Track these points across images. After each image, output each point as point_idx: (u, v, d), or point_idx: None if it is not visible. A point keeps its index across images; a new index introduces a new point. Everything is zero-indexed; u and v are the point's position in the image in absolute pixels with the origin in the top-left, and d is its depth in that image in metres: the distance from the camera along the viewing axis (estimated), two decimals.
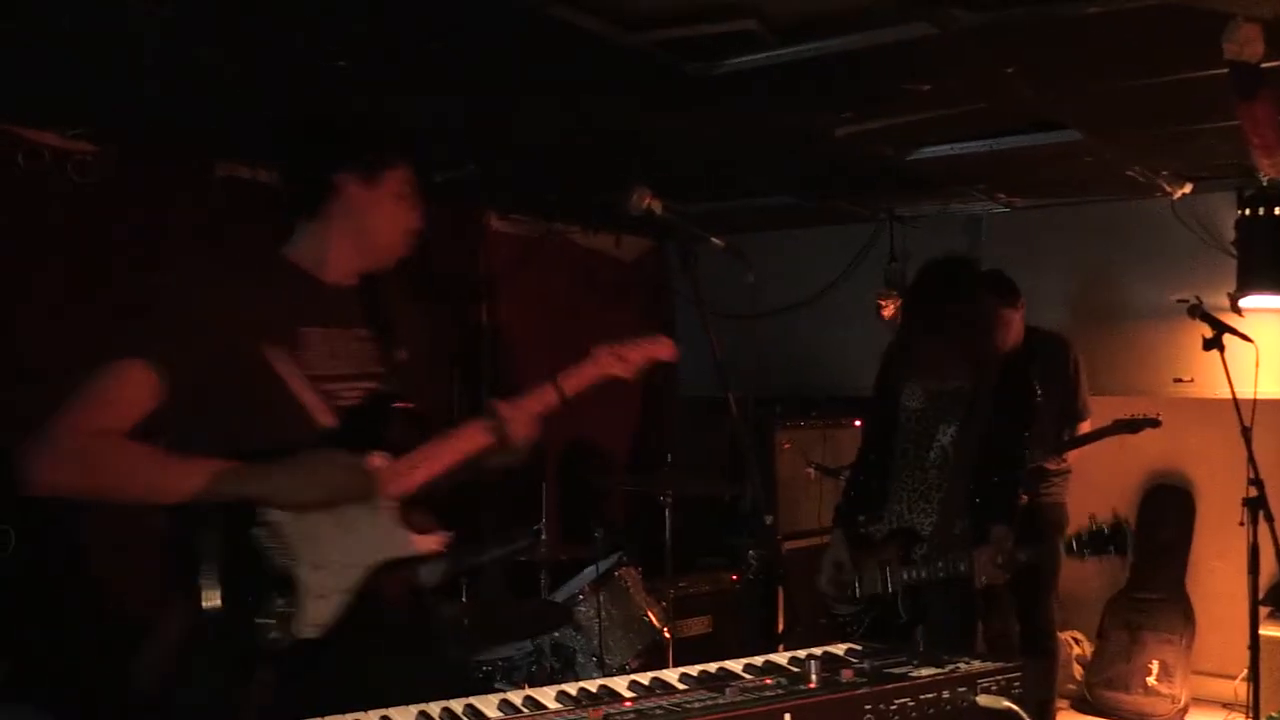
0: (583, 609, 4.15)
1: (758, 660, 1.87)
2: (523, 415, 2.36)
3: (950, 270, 3.60)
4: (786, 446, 5.54)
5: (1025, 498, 3.75)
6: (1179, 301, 4.59)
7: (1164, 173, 4.75)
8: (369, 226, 2.31)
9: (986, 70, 3.21)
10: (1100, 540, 3.30)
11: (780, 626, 5.15)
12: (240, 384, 2.12)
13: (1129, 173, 4.66)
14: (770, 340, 6.03)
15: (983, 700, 1.74)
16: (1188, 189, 4.96)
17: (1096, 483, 5.18)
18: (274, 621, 2.04)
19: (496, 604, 4.19)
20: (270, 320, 2.18)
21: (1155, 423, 4.57)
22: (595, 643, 4.11)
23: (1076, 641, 5.59)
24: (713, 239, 2.33)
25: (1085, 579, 5.41)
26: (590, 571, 4.31)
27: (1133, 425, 4.60)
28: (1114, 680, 5.31)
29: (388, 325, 2.41)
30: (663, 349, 2.54)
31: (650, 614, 4.30)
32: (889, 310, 5.56)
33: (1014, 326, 4.49)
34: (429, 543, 2.25)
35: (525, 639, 4.02)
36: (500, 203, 5.63)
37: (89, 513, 3.98)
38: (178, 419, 2.11)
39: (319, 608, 2.08)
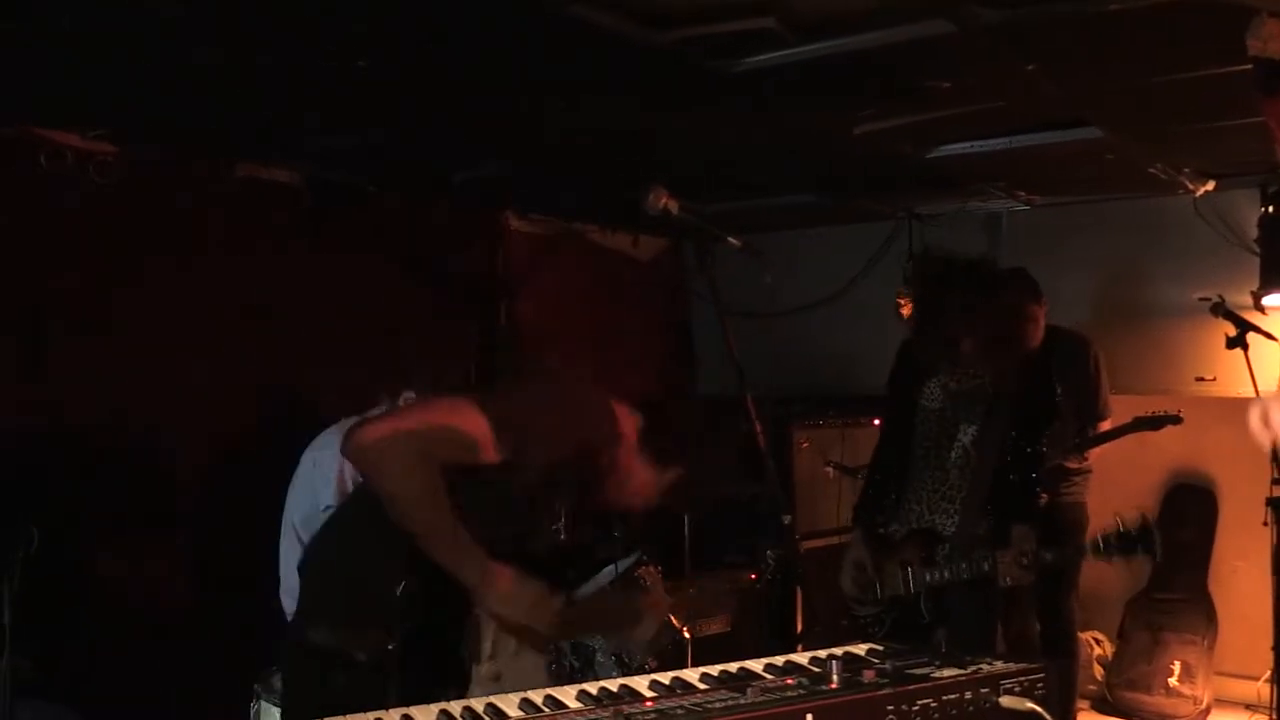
0: None
1: (778, 660, 1.87)
2: None
3: (969, 267, 3.57)
4: (804, 446, 5.52)
5: (1045, 497, 3.73)
6: (1201, 300, 4.57)
7: (1186, 170, 4.72)
8: None
9: (1007, 67, 3.19)
10: (1128, 542, 3.26)
11: (799, 626, 5.14)
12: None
13: (1150, 170, 4.63)
14: (788, 339, 6.01)
15: (1006, 701, 1.73)
16: (1210, 186, 4.93)
17: (1117, 482, 5.15)
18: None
19: None
20: None
21: (1177, 419, 4.52)
22: (614, 642, 4.10)
23: (1097, 642, 5.56)
24: (730, 238, 2.33)
25: (1106, 579, 5.37)
26: (610, 570, 4.31)
27: (1154, 422, 4.56)
28: (1135, 681, 5.28)
29: None
30: None
31: (669, 613, 4.29)
32: (908, 309, 5.53)
33: (1038, 324, 4.47)
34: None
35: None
36: (519, 202, 5.63)
37: (109, 514, 4.03)
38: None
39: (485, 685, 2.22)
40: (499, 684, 2.26)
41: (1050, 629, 4.52)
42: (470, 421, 2.11)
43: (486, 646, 2.22)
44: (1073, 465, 4.63)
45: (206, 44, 2.95)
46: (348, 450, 2.14)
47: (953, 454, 3.50)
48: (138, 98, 3.53)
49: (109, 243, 4.05)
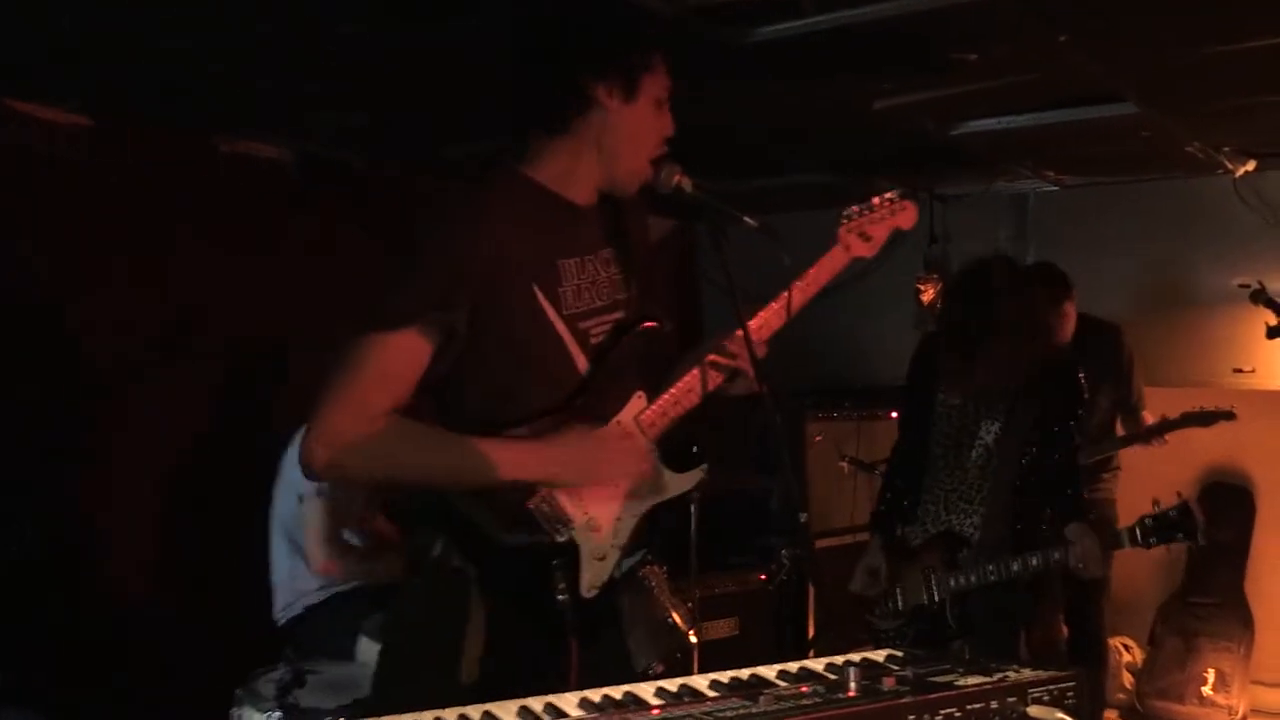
0: None
1: (792, 666, 1.85)
2: (755, 339, 2.28)
3: (995, 271, 3.53)
4: (818, 439, 5.50)
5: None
6: (1240, 286, 4.54)
7: (1225, 149, 4.69)
8: (627, 145, 2.15)
9: (1037, 39, 3.17)
10: (1167, 525, 3.24)
11: (811, 630, 5.14)
12: (514, 333, 2.06)
13: (1188, 149, 4.61)
14: (802, 326, 5.97)
15: (1034, 711, 1.71)
16: (1251, 166, 4.90)
17: (1148, 480, 5.09)
18: (559, 587, 2.06)
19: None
20: (535, 254, 2.08)
21: (1229, 415, 4.45)
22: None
23: (1127, 648, 5.55)
24: (746, 218, 2.30)
25: (1136, 582, 5.37)
26: None
27: (1204, 418, 4.49)
28: (1167, 690, 5.27)
29: (632, 244, 2.30)
30: (906, 217, 2.44)
31: (676, 615, 4.28)
32: (928, 295, 5.52)
33: (1068, 320, 4.45)
34: (692, 479, 2.27)
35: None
36: None
37: (85, 512, 4.02)
38: (449, 379, 2.07)
39: (598, 570, 2.13)
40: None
41: (1080, 635, 4.51)
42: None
43: (575, 516, 2.12)
44: (1099, 462, 4.61)
45: (194, 10, 2.93)
46: (306, 473, 2.04)
47: (973, 453, 3.47)
48: (113, 68, 3.51)
49: (80, 221, 4.02)
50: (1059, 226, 5.56)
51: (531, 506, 2.08)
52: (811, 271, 2.41)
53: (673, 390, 2.23)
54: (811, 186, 5.55)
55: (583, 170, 2.16)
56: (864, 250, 2.47)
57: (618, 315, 2.21)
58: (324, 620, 3.71)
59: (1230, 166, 4.90)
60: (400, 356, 1.99)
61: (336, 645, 3.55)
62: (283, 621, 3.79)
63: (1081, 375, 3.50)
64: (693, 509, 4.46)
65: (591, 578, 2.13)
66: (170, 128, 4.22)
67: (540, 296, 2.07)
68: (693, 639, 4.33)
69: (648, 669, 4.10)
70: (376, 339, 1.98)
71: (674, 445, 2.26)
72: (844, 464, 5.39)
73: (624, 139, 2.15)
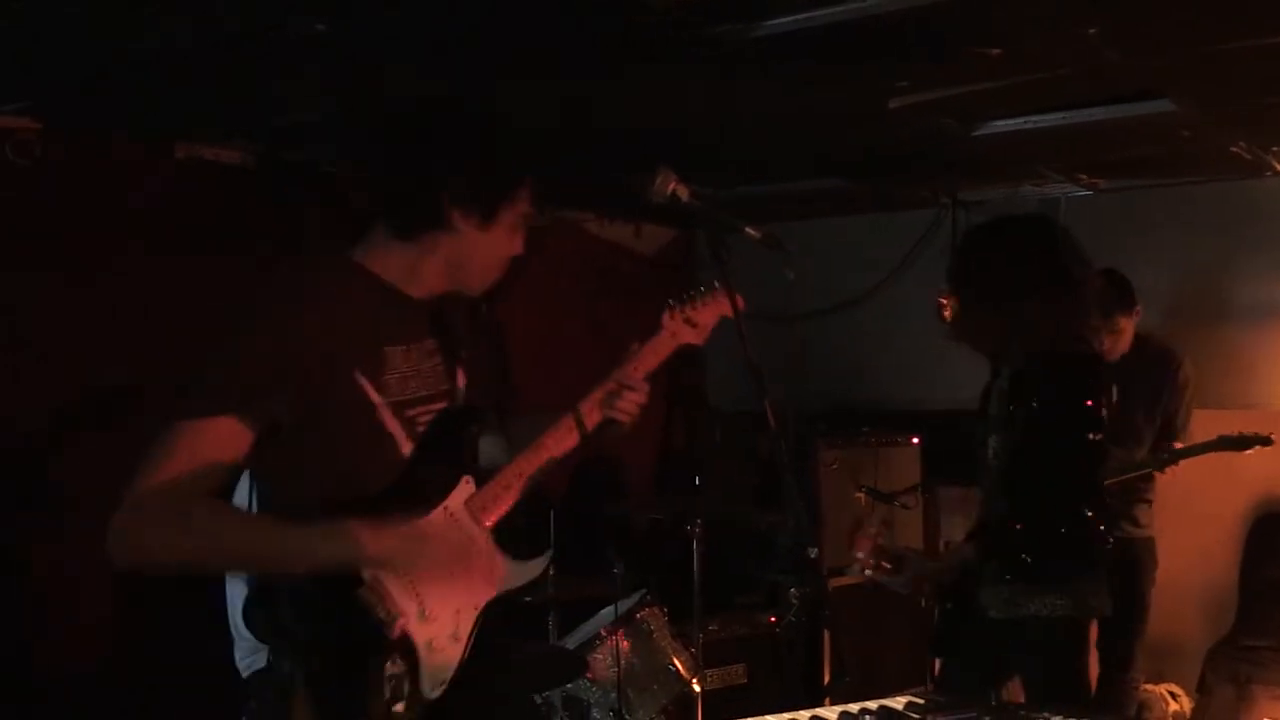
0: (599, 656, 4.14)
1: (803, 715, 1.86)
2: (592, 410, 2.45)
3: (998, 227, 3.56)
4: (833, 467, 5.51)
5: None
6: None
7: (1275, 149, 4.72)
8: (474, 262, 2.31)
9: (1066, 31, 3.19)
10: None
11: (826, 677, 5.13)
12: (340, 420, 2.16)
13: (1233, 149, 4.63)
14: (813, 345, 6.01)
15: None
16: None
17: (1193, 511, 5.14)
18: (392, 687, 2.10)
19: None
20: (360, 341, 2.19)
21: (1266, 440, 4.52)
22: (613, 695, 4.10)
23: (1174, 696, 5.54)
24: (748, 228, 2.33)
25: (1183, 623, 5.36)
26: (608, 613, 4.31)
27: (1239, 443, 4.56)
28: None
29: (455, 334, 2.44)
30: (728, 305, 2.50)
31: (677, 662, 4.29)
32: (950, 311, 5.54)
33: (1124, 335, 4.48)
34: (534, 568, 2.35)
35: (533, 691, 4.02)
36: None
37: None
38: (269, 465, 2.16)
39: (438, 664, 2.17)
40: None
41: (1113, 681, 4.54)
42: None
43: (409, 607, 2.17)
44: (1125, 491, 4.62)
45: (147, 9, 2.96)
46: (113, 559, 2.09)
47: (985, 475, 3.50)
48: (62, 69, 3.54)
49: (29, 230, 4.06)
50: (1093, 234, 5.54)
51: (359, 594, 2.12)
52: (629, 366, 2.51)
53: (503, 475, 2.33)
54: (821, 193, 5.58)
55: (425, 273, 2.29)
56: (692, 337, 2.58)
57: (443, 404, 2.32)
58: None
59: None
60: (213, 444, 2.05)
61: None
62: (246, 674, 3.80)
63: (1101, 393, 3.35)
64: (695, 544, 4.47)
65: (433, 674, 2.17)
66: (124, 131, 4.26)
67: (365, 383, 2.17)
68: (696, 688, 4.33)
69: None
70: (188, 426, 2.05)
71: (516, 532, 2.35)
72: (860, 495, 5.40)
73: (472, 259, 2.30)
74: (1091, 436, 3.31)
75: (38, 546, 4.08)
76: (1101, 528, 3.35)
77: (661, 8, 2.93)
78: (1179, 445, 4.69)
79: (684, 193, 2.32)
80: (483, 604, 2.25)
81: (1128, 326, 4.52)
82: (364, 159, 2.37)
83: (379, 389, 2.18)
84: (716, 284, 2.53)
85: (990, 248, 3.50)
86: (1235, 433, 4.59)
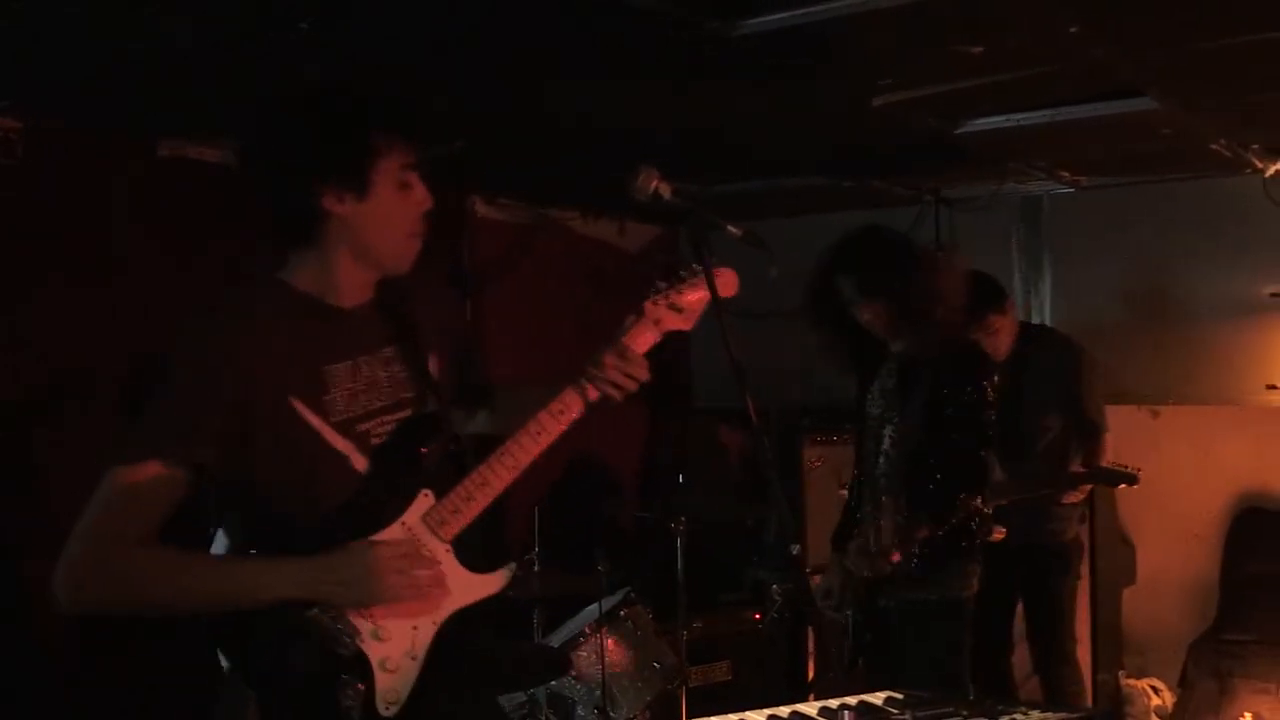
0: (584, 654, 4.15)
1: (783, 711, 1.87)
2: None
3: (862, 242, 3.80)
4: (816, 464, 5.53)
5: (1003, 533, 3.85)
6: (1272, 296, 4.58)
7: (1254, 146, 4.75)
8: (375, 237, 2.20)
9: (1047, 28, 3.21)
10: None
11: (810, 673, 5.15)
12: (277, 448, 2.12)
13: (1213, 146, 4.66)
14: (796, 343, 6.01)
15: None
16: None
17: (1174, 507, 5.17)
18: (346, 708, 2.07)
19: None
20: (292, 366, 2.14)
21: (1132, 479, 4.35)
22: (598, 693, 4.10)
23: (1155, 691, 5.56)
24: (729, 226, 2.34)
25: (1164, 618, 5.39)
26: (592, 610, 4.31)
27: (1110, 477, 4.46)
28: None
29: (414, 337, 2.35)
30: (724, 283, 2.41)
31: (661, 659, 4.30)
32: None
33: (1002, 334, 4.52)
34: (496, 581, 2.26)
35: (517, 689, 4.02)
36: (487, 185, 5.63)
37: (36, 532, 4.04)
38: (228, 496, 2.16)
39: (392, 683, 2.12)
40: None
41: (1054, 674, 4.70)
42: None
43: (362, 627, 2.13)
44: (1066, 499, 4.64)
45: (131, 8, 2.95)
46: (58, 605, 2.08)
47: (881, 460, 3.70)
48: (46, 67, 3.52)
49: (11, 230, 4.04)
50: (1074, 230, 5.61)
51: (310, 616, 2.09)
52: (624, 338, 2.40)
53: (465, 484, 2.25)
54: (804, 190, 5.59)
55: (341, 274, 2.21)
56: (679, 323, 2.46)
57: (404, 414, 2.26)
58: None
59: (1260, 165, 4.96)
60: (148, 489, 2.04)
61: None
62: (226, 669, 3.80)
63: (984, 378, 3.58)
64: (679, 542, 4.48)
65: (387, 693, 2.12)
66: (107, 130, 4.25)
67: (301, 408, 2.13)
68: (680, 685, 4.34)
69: (632, 718, 4.12)
70: (122, 471, 2.04)
71: (476, 543, 2.28)
72: (844, 491, 5.40)
73: (370, 233, 2.18)
74: (979, 420, 3.57)
75: (30, 548, 4.06)
76: (988, 512, 3.60)
77: (645, 6, 2.93)
78: (1103, 440, 4.67)
79: (666, 191, 2.32)
80: (442, 619, 2.19)
81: (1002, 325, 4.54)
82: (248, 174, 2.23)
83: (322, 409, 2.13)
84: (697, 267, 2.42)
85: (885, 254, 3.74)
86: (1110, 464, 4.50)
